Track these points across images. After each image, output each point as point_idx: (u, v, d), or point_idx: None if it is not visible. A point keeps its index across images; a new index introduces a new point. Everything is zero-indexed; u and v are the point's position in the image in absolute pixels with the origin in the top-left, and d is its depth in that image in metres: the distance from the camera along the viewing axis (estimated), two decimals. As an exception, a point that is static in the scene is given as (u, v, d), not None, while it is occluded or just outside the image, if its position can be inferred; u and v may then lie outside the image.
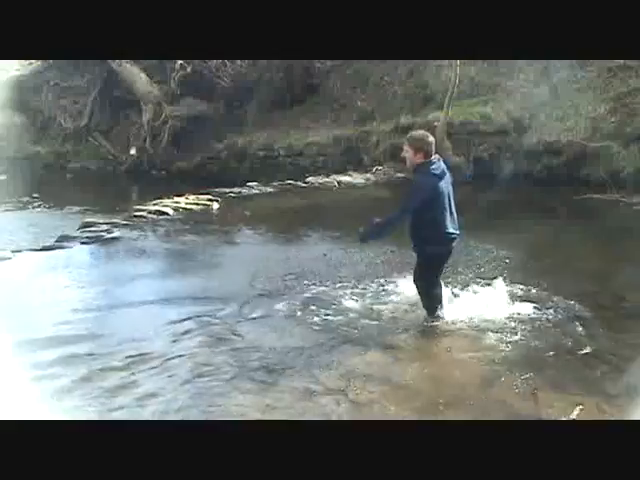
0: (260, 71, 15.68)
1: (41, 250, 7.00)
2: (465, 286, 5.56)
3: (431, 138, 4.81)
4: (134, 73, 16.41)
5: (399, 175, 12.20)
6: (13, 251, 6.83)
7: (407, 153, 4.80)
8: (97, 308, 5.32)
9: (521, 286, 5.55)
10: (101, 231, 7.77)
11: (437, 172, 4.73)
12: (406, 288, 5.36)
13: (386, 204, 10.60)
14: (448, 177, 4.82)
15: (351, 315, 5.06)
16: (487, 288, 5.45)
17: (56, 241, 7.34)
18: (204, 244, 7.67)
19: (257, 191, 10.69)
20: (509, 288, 5.42)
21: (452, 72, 12.16)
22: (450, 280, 5.50)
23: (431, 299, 4.97)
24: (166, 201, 9.28)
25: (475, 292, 5.44)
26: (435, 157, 4.77)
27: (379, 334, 4.74)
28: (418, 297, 5.06)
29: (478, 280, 5.72)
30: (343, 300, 5.36)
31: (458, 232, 4.88)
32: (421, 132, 5.04)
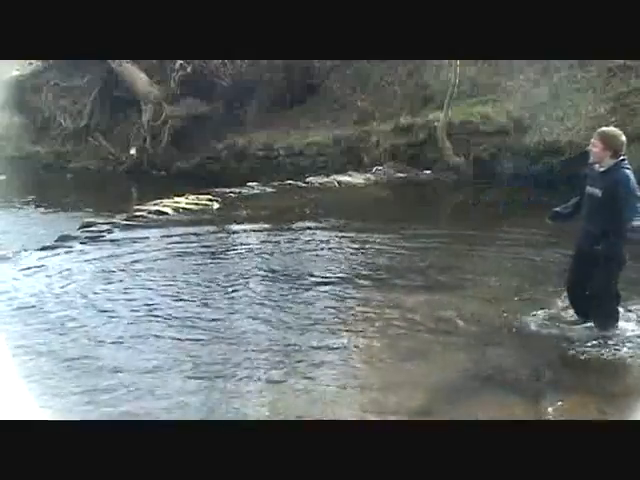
0: (260, 71, 15.66)
1: (41, 250, 7.00)
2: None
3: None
4: (134, 73, 16.40)
5: (399, 175, 12.20)
6: (13, 251, 6.84)
7: (596, 148, 4.68)
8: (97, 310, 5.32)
9: (522, 286, 5.55)
10: (101, 231, 7.78)
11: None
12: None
13: (386, 204, 10.63)
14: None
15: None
16: (487, 288, 5.46)
17: (56, 241, 7.35)
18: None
19: (257, 191, 10.68)
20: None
21: (452, 72, 12.16)
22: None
23: (612, 309, 4.65)
24: (166, 201, 9.27)
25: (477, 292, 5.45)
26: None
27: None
28: None
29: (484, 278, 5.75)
30: None
31: None
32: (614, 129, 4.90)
